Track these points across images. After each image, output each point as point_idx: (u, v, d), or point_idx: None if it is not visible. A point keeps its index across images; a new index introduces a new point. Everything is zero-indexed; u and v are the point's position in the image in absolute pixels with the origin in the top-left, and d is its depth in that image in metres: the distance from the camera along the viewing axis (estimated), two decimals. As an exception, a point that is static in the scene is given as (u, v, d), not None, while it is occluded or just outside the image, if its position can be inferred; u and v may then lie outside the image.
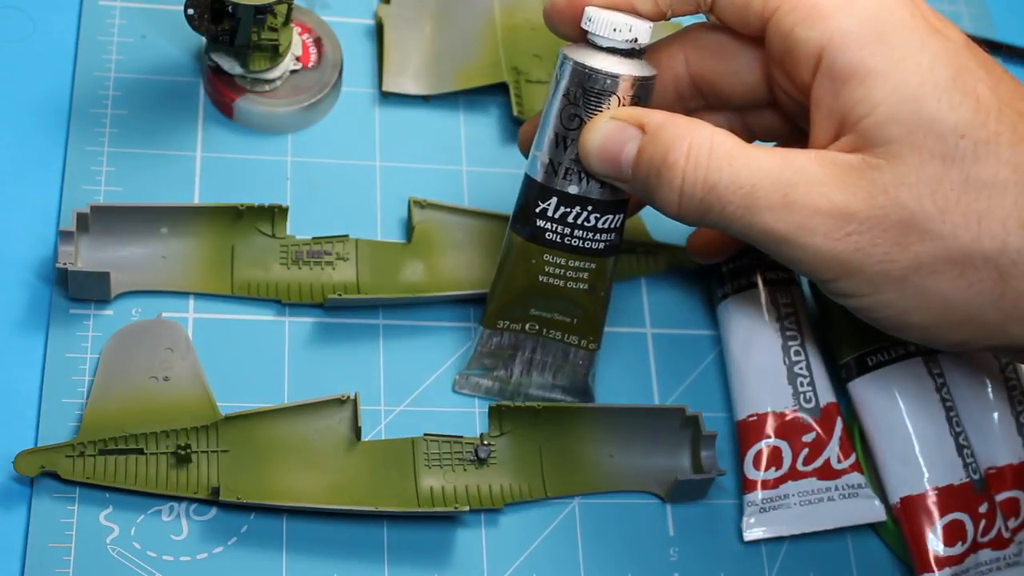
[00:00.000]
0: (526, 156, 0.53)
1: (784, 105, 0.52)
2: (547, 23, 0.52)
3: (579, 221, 0.51)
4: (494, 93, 0.65)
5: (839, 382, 0.59)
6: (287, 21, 0.59)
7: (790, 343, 0.58)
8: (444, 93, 0.64)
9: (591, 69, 0.49)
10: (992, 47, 0.73)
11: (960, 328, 0.47)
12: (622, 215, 0.52)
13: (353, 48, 0.64)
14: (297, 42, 0.62)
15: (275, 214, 0.57)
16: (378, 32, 0.65)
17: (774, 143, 0.56)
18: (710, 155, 0.47)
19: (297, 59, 0.61)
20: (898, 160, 0.45)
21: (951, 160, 0.45)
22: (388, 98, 0.64)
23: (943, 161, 0.45)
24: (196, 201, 0.58)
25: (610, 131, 0.49)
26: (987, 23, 0.74)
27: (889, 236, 0.46)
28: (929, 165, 0.45)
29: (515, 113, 0.63)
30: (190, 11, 0.57)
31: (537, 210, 0.51)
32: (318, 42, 0.62)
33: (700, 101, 0.54)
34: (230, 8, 0.57)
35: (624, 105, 0.49)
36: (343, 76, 0.63)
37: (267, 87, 0.61)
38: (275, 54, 0.60)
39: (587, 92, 0.49)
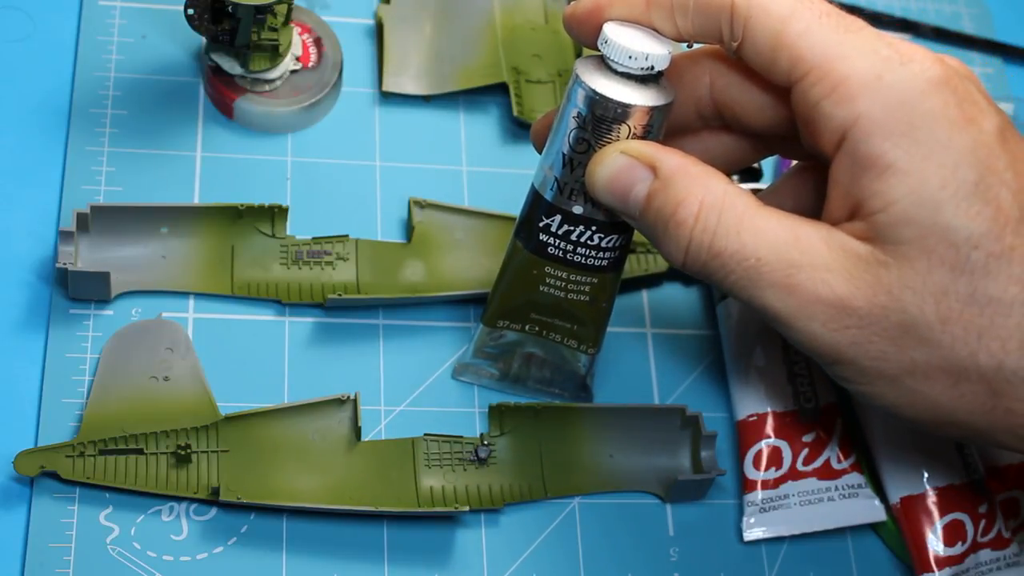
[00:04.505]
0: (538, 151, 0.51)
1: (808, 147, 0.49)
2: (566, 29, 0.50)
3: (582, 239, 0.50)
4: (494, 93, 0.65)
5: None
6: (287, 21, 0.59)
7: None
8: (444, 93, 0.64)
9: (602, 96, 0.46)
10: (992, 47, 0.73)
11: (949, 427, 0.47)
12: (627, 235, 0.51)
13: (353, 48, 0.64)
14: (297, 42, 0.62)
15: (275, 214, 0.57)
16: (378, 32, 0.65)
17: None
18: (719, 220, 0.46)
19: (297, 59, 0.61)
20: (906, 262, 0.44)
21: (960, 271, 0.44)
22: (388, 98, 0.64)
23: (952, 271, 0.44)
24: (196, 201, 0.58)
25: (619, 168, 0.47)
26: (987, 23, 0.74)
27: (887, 336, 0.45)
28: (937, 272, 0.44)
29: (515, 113, 0.63)
30: (190, 11, 0.57)
31: (540, 225, 0.50)
32: (318, 42, 0.62)
33: (721, 122, 0.52)
34: (230, 8, 0.57)
35: (635, 134, 0.47)
36: (343, 76, 0.63)
37: (267, 87, 0.61)
38: (275, 54, 0.60)
39: (597, 119, 0.47)
